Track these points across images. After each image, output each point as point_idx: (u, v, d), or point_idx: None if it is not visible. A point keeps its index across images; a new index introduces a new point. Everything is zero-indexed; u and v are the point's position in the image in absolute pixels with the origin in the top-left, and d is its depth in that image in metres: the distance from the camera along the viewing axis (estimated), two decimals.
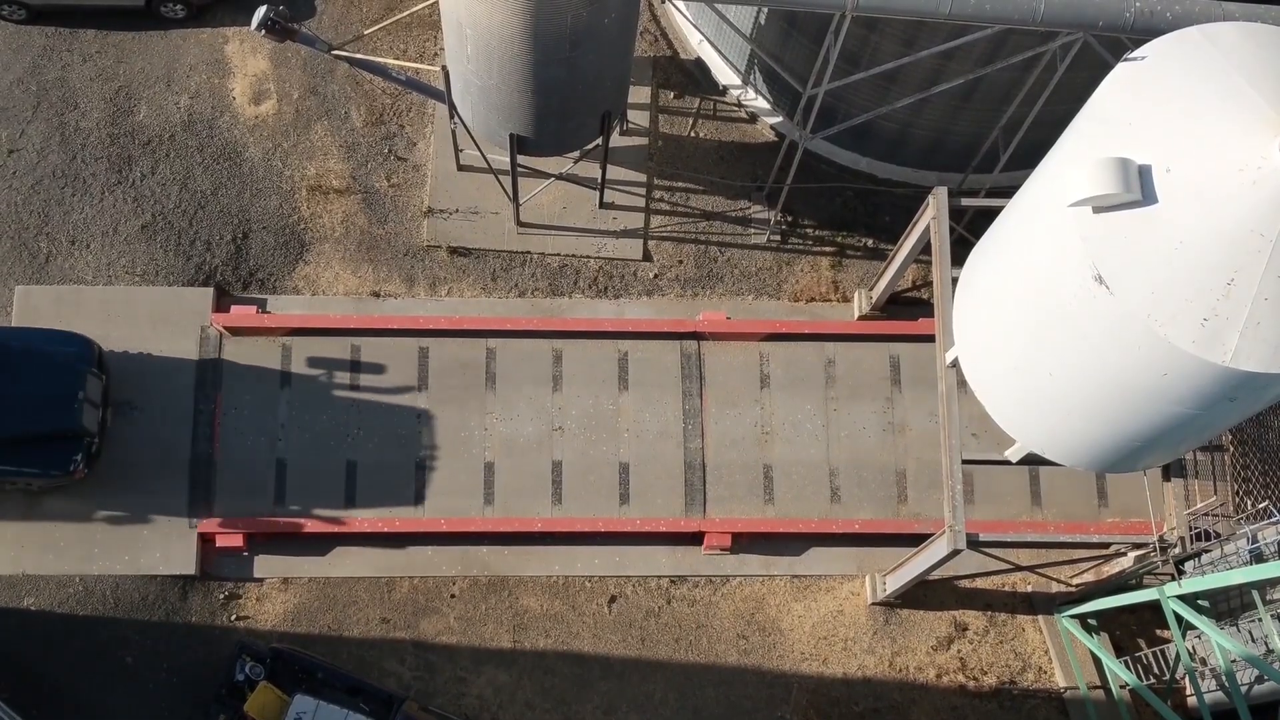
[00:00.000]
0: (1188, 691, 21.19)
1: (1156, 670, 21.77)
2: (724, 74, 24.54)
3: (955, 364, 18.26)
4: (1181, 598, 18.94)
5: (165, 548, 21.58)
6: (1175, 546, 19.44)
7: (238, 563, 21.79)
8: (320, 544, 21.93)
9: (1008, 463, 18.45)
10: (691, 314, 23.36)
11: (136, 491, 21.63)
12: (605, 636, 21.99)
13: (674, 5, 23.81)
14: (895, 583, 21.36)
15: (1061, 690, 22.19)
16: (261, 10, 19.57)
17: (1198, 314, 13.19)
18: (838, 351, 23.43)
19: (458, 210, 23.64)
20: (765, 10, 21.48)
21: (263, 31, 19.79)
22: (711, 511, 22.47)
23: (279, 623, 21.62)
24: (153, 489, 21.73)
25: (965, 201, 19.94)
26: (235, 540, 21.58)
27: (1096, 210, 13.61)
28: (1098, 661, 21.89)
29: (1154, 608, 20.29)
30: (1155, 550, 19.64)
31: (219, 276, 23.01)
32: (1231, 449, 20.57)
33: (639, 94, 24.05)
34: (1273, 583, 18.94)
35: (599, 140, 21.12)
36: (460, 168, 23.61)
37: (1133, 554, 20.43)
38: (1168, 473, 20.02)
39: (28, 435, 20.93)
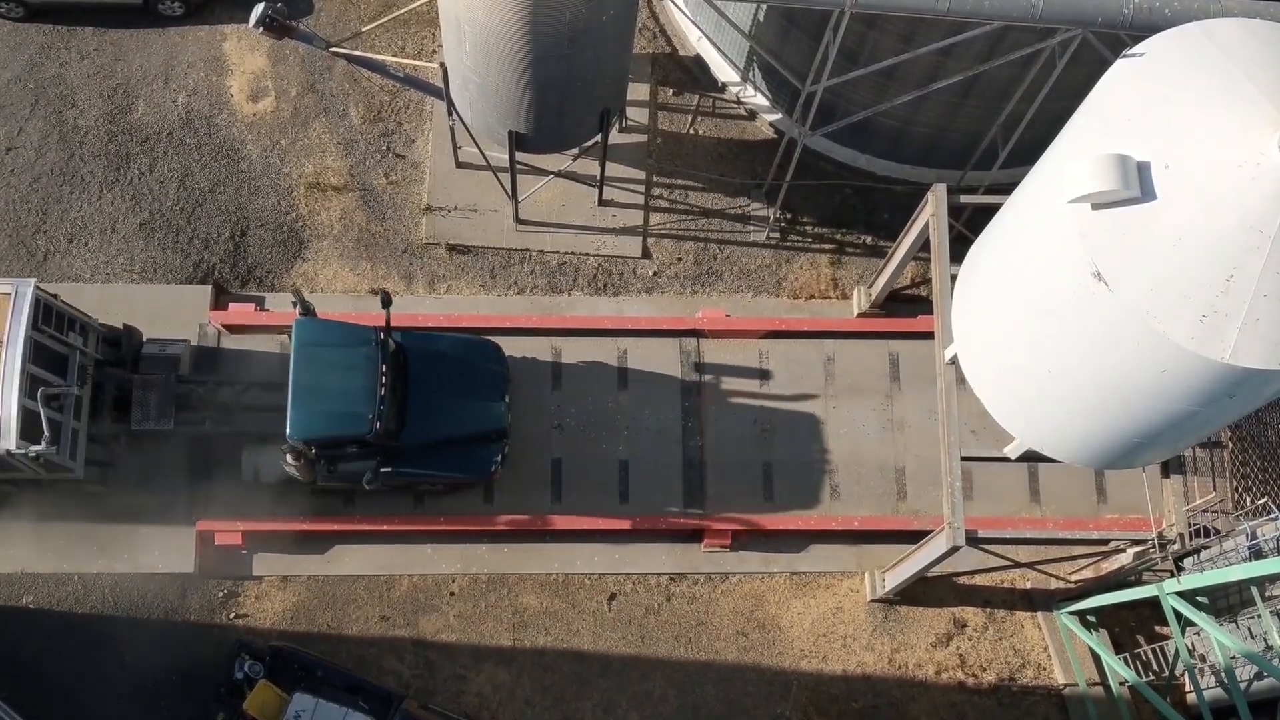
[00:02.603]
0: (1187, 688, 21.20)
1: (1156, 667, 21.78)
2: (723, 71, 24.52)
3: (954, 361, 18.26)
4: (1181, 594, 18.95)
5: (164, 546, 21.56)
6: (1174, 543, 19.45)
7: (236, 561, 21.78)
8: (319, 542, 21.92)
9: (1007, 460, 18.47)
10: (691, 311, 23.35)
11: (136, 490, 21.59)
12: (605, 634, 21.99)
13: (673, 2, 23.78)
14: (894, 580, 21.36)
15: (1061, 687, 22.19)
16: (259, 7, 19.56)
17: (1197, 310, 13.18)
18: (837, 349, 23.42)
19: (456, 208, 23.63)
20: (764, 7, 21.46)
21: (260, 29, 19.77)
22: (711, 509, 22.46)
23: (278, 621, 21.62)
24: (154, 489, 21.72)
25: (964, 199, 19.94)
26: (234, 538, 21.56)
27: (1095, 207, 13.60)
28: (1097, 658, 21.89)
29: (1153, 604, 20.29)
30: (1154, 547, 19.65)
31: (217, 274, 23.00)
32: (1230, 445, 20.59)
33: (638, 91, 24.03)
34: (1272, 579, 18.96)
35: (598, 137, 21.11)
36: (459, 165, 23.59)
37: (1132, 551, 20.45)
38: (1167, 469, 20.04)
39: (455, 439, 21.04)
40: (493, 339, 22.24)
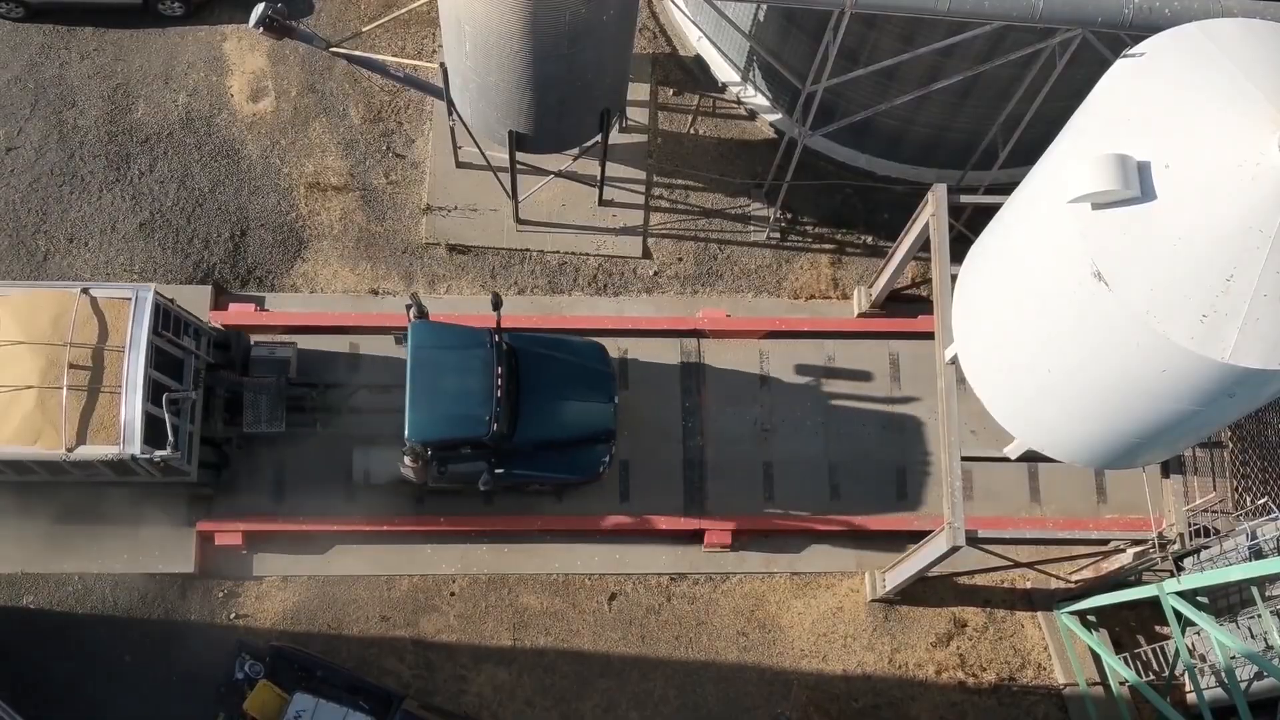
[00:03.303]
0: (1187, 688, 21.20)
1: (1156, 667, 21.78)
2: (723, 71, 24.52)
3: (954, 361, 18.26)
4: (1181, 594, 18.95)
5: (164, 546, 21.56)
6: (1174, 543, 19.45)
7: (236, 561, 21.77)
8: (319, 542, 21.91)
9: (1007, 460, 18.46)
10: (691, 311, 23.35)
11: (139, 490, 21.59)
12: (605, 634, 21.99)
13: (673, 2, 23.78)
14: (895, 580, 21.36)
15: (1061, 687, 22.19)
16: (259, 7, 19.56)
17: (1197, 310, 13.19)
18: (837, 349, 23.42)
19: (456, 208, 23.63)
20: (764, 7, 21.46)
21: (260, 29, 19.77)
22: (711, 509, 22.45)
23: (278, 621, 21.61)
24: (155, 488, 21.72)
25: (964, 198, 19.94)
26: (234, 538, 21.56)
27: (1095, 207, 13.60)
28: (1097, 658, 21.89)
29: (1153, 604, 20.28)
30: (1154, 547, 19.65)
31: (217, 274, 22.99)
32: (1231, 445, 20.58)
33: (638, 91, 24.03)
34: (1272, 579, 18.95)
35: (598, 137, 21.11)
36: (459, 165, 23.59)
37: (1132, 550, 20.44)
38: (1167, 469, 20.02)
39: (566, 440, 21.12)
40: (597, 340, 22.41)
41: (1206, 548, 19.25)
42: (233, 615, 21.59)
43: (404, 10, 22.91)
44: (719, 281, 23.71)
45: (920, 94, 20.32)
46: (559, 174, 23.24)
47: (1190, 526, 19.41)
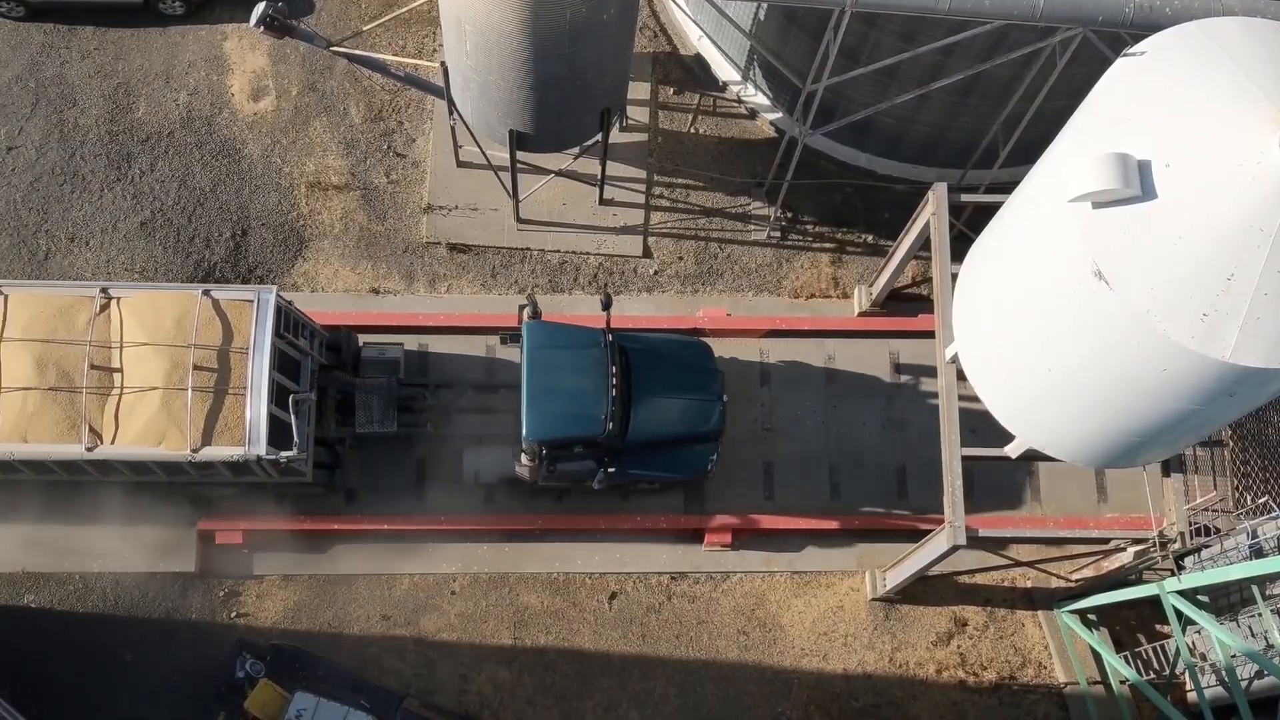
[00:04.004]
0: (1188, 687, 21.19)
1: (1156, 665, 21.79)
2: (724, 70, 24.52)
3: (955, 360, 18.26)
4: (1181, 593, 18.95)
5: (165, 545, 21.57)
6: (1175, 542, 19.44)
7: (238, 559, 21.78)
8: (320, 541, 21.92)
9: (1007, 459, 18.45)
10: (692, 310, 23.35)
11: (136, 489, 21.61)
12: (606, 633, 21.99)
13: (673, 1, 23.78)
14: (895, 578, 21.36)
15: (1061, 685, 22.20)
16: (260, 6, 19.56)
17: (1197, 309, 13.18)
18: (838, 347, 23.42)
19: (457, 207, 23.63)
20: (765, 6, 21.46)
21: (261, 28, 19.77)
22: (711, 508, 22.45)
23: (279, 620, 21.63)
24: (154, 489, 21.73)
25: (965, 197, 19.93)
26: (234, 537, 21.56)
27: (1096, 206, 13.60)
28: (1098, 657, 21.90)
29: (1154, 603, 20.29)
30: (1155, 546, 19.64)
31: (218, 273, 23.00)
32: (1231, 444, 20.57)
33: (638, 90, 24.02)
34: (1272, 578, 18.95)
35: (599, 136, 21.11)
36: (459, 164, 23.60)
37: (1132, 549, 20.43)
38: (1167, 468, 20.01)
39: (676, 438, 21.19)
40: (702, 339, 22.51)
41: (1207, 546, 19.24)
42: (234, 614, 21.60)
43: (404, 9, 22.90)
44: (719, 280, 23.71)
45: (921, 93, 20.32)
46: (559, 173, 23.24)
47: (1191, 525, 19.40)
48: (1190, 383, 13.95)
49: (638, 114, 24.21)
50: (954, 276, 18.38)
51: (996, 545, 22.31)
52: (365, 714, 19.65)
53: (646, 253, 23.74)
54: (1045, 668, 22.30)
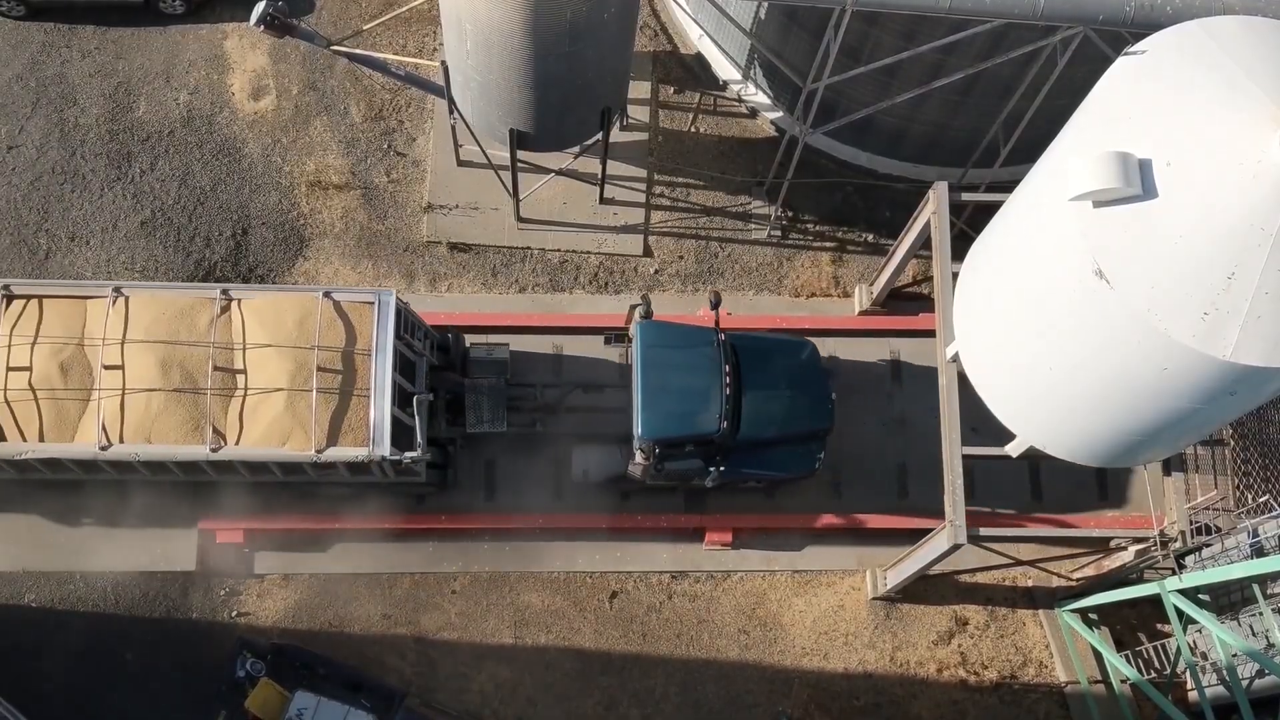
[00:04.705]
0: (1188, 686, 21.20)
1: (1157, 665, 21.79)
2: (724, 69, 24.51)
3: (956, 359, 18.26)
4: (1182, 592, 18.95)
5: (165, 544, 21.58)
6: (1176, 541, 19.44)
7: (238, 558, 21.78)
8: (321, 540, 21.93)
9: (1008, 458, 18.44)
10: (692, 309, 23.32)
11: (131, 489, 21.59)
12: (606, 632, 22.00)
13: (674, 0, 23.77)
14: (896, 578, 21.37)
15: (1062, 685, 22.20)
16: (260, 6, 19.56)
17: (1198, 308, 13.18)
18: (838, 346, 23.40)
19: (457, 206, 23.63)
20: (765, 5, 21.45)
21: (262, 27, 19.77)
22: (712, 507, 22.44)
23: (280, 619, 21.63)
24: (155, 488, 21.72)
25: (965, 196, 19.93)
26: (235, 536, 21.57)
27: (1097, 205, 13.59)
28: (1098, 656, 21.90)
29: (1155, 602, 20.29)
30: (1156, 545, 19.64)
31: (219, 272, 23.00)
32: (1232, 443, 20.57)
33: (639, 89, 24.03)
34: (1273, 577, 18.95)
35: (599, 136, 21.11)
36: (460, 163, 23.60)
37: (1133, 549, 20.43)
38: (1168, 467, 20.01)
39: (787, 436, 21.21)
40: (807, 338, 22.46)
41: (1208, 545, 19.24)
42: (234, 613, 21.61)
43: (405, 8, 22.90)
44: (720, 279, 23.71)
45: (921, 92, 20.30)
46: (560, 172, 23.24)
47: (1192, 524, 19.41)
48: (1191, 381, 13.94)
49: (638, 113, 24.21)
50: (955, 275, 18.38)
51: (997, 544, 22.28)
52: (366, 713, 19.65)
53: (647, 252, 23.74)
54: (1046, 667, 22.30)
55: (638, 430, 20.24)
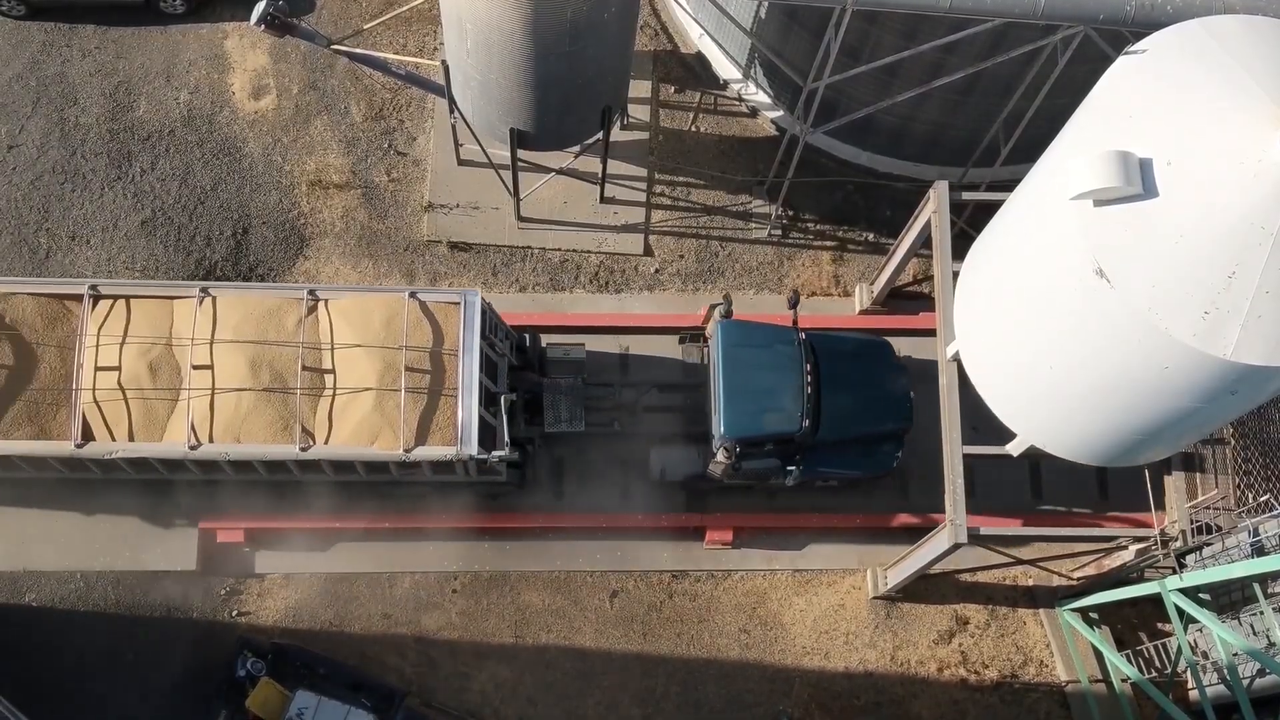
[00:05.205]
0: (1189, 685, 21.19)
1: (1158, 664, 21.78)
2: (725, 68, 24.51)
3: (956, 358, 18.25)
4: (1183, 591, 18.94)
5: (166, 543, 21.57)
6: (1176, 540, 19.44)
7: (239, 558, 21.78)
8: (321, 539, 21.92)
9: (1009, 457, 18.44)
10: (693, 309, 23.32)
11: (132, 488, 21.59)
12: (607, 631, 21.99)
13: None
14: (896, 577, 21.36)
15: (1063, 684, 22.19)
16: (261, 5, 19.57)
17: (1199, 307, 13.18)
18: None
19: (458, 205, 23.63)
20: (766, 4, 21.45)
21: (262, 27, 19.78)
22: (713, 506, 22.43)
23: (280, 618, 21.63)
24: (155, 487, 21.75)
25: (966, 195, 19.93)
26: (236, 536, 21.57)
27: (1097, 204, 13.60)
28: (1099, 655, 21.89)
29: (1155, 601, 20.27)
30: (1156, 544, 19.64)
31: (219, 272, 23.00)
32: (1233, 442, 20.58)
33: (639, 88, 24.02)
34: (1274, 576, 18.94)
35: (599, 135, 21.10)
36: (460, 162, 23.59)
37: (1134, 548, 20.42)
38: (1169, 466, 20.01)
39: (865, 435, 21.32)
40: (884, 338, 22.62)
41: (1209, 545, 19.23)
42: (235, 613, 21.61)
43: (405, 8, 22.90)
44: (720, 279, 23.70)
45: (922, 91, 20.30)
46: (560, 171, 23.24)
47: (1192, 523, 19.40)
48: (1192, 381, 13.95)
49: (639, 112, 24.21)
50: (955, 275, 18.37)
51: (998, 543, 22.28)
52: (366, 712, 19.68)
53: (648, 251, 23.74)
54: (1047, 666, 22.30)
55: (720, 429, 20.35)
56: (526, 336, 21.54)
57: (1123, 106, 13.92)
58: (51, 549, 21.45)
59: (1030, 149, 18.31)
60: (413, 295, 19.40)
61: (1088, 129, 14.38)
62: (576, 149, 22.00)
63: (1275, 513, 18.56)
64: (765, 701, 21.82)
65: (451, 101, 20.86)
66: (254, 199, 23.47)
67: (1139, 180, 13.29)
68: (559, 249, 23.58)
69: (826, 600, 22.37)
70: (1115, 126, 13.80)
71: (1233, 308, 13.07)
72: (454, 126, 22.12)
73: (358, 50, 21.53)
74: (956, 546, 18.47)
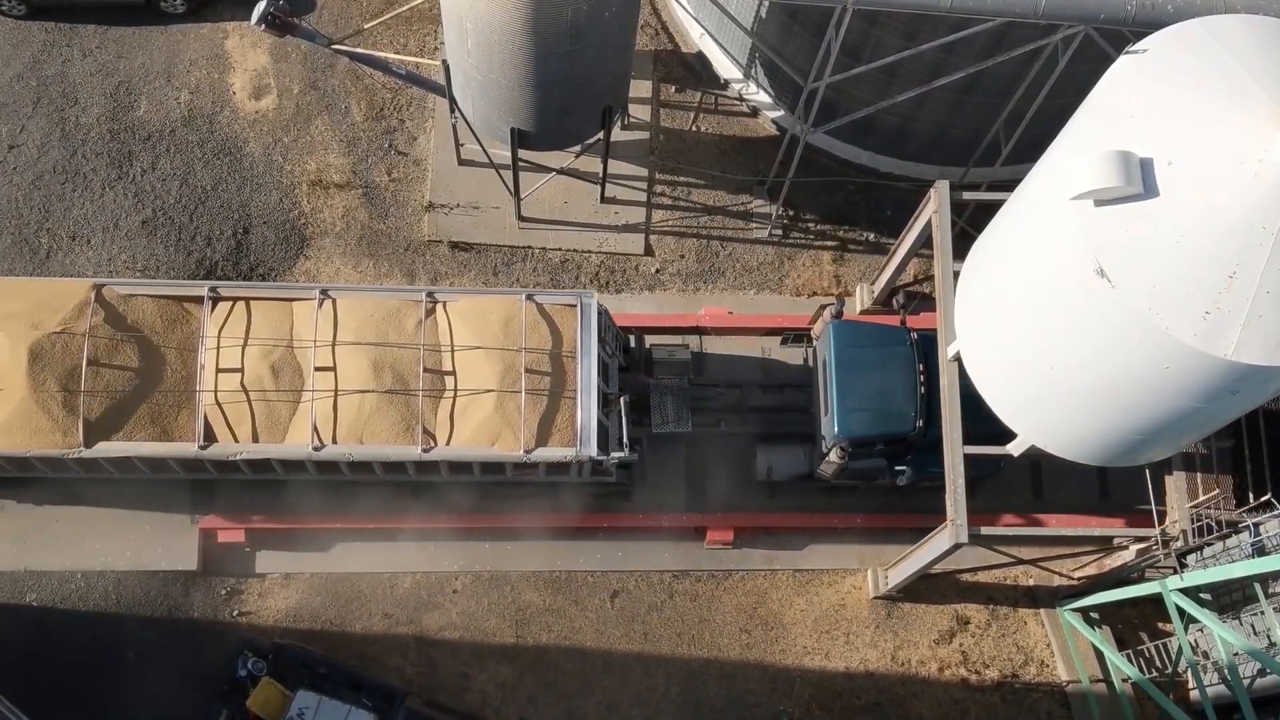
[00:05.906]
0: (1190, 685, 21.19)
1: (1159, 663, 21.78)
2: (725, 68, 24.50)
3: (957, 358, 18.25)
4: (1184, 591, 18.94)
5: (167, 543, 21.57)
6: (1177, 540, 19.43)
7: (240, 558, 21.78)
8: (322, 539, 21.92)
9: (1010, 457, 18.44)
10: (693, 309, 23.33)
11: (132, 488, 21.55)
12: (608, 631, 21.99)
13: None
14: (897, 577, 21.36)
15: (1064, 683, 22.19)
16: (261, 5, 19.57)
17: (1199, 307, 13.18)
18: None
19: (459, 205, 23.63)
20: (767, 4, 21.45)
21: (263, 26, 19.78)
22: (714, 506, 22.43)
23: (281, 618, 21.63)
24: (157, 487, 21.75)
25: (967, 195, 19.93)
26: (237, 535, 21.56)
27: (1098, 204, 13.60)
28: (1100, 655, 21.89)
29: (1156, 601, 20.27)
30: (1157, 544, 19.63)
31: (219, 272, 23.00)
32: (1233, 441, 20.56)
33: (640, 88, 24.01)
34: (1274, 575, 18.93)
35: (600, 135, 21.10)
36: (461, 162, 23.59)
37: (1135, 547, 20.42)
38: (1170, 466, 20.00)
39: (974, 436, 21.09)
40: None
41: (1209, 544, 19.23)
42: (236, 613, 21.60)
43: (406, 7, 22.90)
44: (721, 279, 23.71)
45: (922, 91, 20.30)
46: (561, 171, 23.24)
47: (1193, 523, 19.40)
48: (1192, 380, 13.95)
49: (639, 112, 24.20)
50: (956, 274, 18.37)
51: (998, 543, 22.27)
52: (367, 712, 19.68)
53: (648, 251, 23.74)
54: (1047, 666, 22.30)
55: (834, 430, 20.36)
56: (631, 338, 21.61)
57: (1123, 106, 13.92)
58: (53, 549, 21.44)
59: (1031, 149, 18.32)
60: (529, 297, 19.46)
61: (1088, 129, 14.38)
62: (577, 149, 22.00)
63: (1276, 512, 18.57)
64: (766, 701, 21.82)
65: (452, 101, 20.86)
66: (255, 199, 23.47)
67: (1139, 180, 13.29)
68: (560, 249, 23.57)
69: (827, 600, 22.37)
70: (1116, 126, 13.80)
71: (1233, 308, 13.07)
72: (454, 126, 22.12)
73: (358, 50, 21.53)
74: (957, 546, 18.47)
